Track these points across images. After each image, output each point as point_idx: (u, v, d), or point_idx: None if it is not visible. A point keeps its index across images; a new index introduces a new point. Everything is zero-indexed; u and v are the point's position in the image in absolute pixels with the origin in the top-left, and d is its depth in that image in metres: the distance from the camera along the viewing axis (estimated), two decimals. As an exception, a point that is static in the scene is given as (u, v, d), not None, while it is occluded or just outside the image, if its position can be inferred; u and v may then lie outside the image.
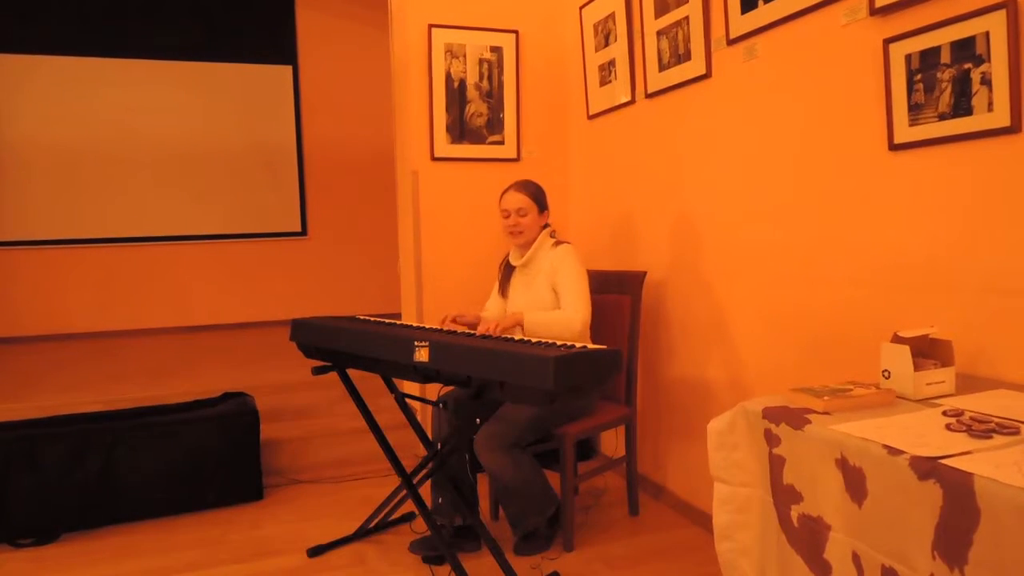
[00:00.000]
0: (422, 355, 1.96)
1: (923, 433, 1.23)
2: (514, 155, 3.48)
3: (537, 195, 2.61)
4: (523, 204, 2.58)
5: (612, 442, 3.30)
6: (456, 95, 3.36)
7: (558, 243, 2.62)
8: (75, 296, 5.98)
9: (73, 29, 5.85)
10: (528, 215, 2.58)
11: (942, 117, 1.71)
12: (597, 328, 2.77)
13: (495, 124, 3.44)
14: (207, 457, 2.96)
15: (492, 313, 2.78)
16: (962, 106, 1.66)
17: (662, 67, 2.77)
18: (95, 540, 2.70)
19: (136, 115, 6.03)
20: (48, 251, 5.92)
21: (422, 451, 2.98)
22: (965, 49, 1.64)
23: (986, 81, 1.60)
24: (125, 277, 6.10)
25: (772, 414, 1.43)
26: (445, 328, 2.42)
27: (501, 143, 3.45)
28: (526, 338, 2.14)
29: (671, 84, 2.73)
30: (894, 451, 1.16)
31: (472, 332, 2.29)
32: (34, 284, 5.89)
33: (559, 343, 1.93)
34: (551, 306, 2.54)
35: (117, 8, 5.95)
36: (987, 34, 1.59)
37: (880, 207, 1.91)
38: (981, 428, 1.22)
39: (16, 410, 3.27)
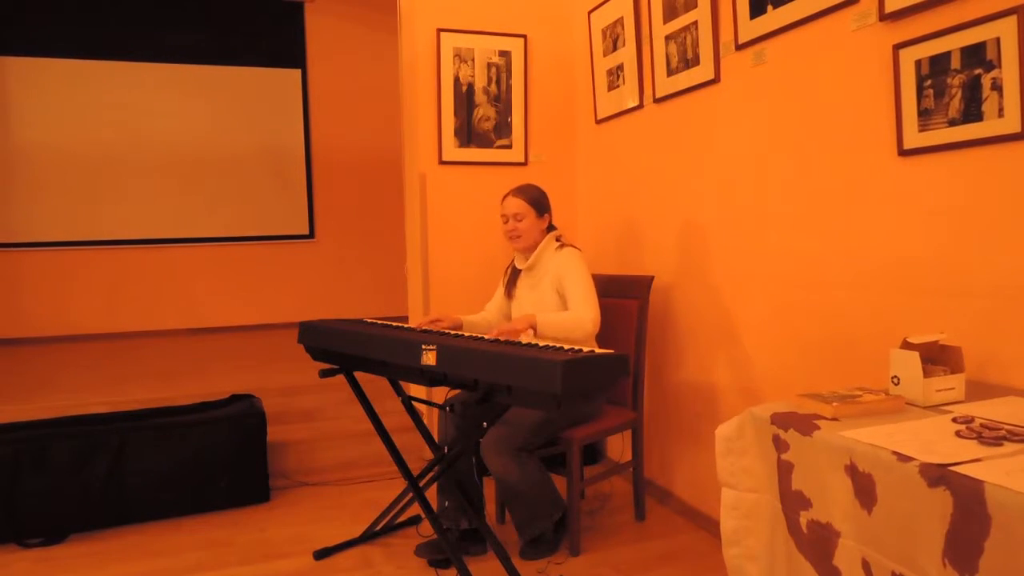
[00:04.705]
0: (429, 358, 1.96)
1: (933, 440, 1.23)
2: (522, 159, 3.49)
3: (535, 199, 2.61)
4: (519, 209, 2.59)
5: (619, 446, 3.30)
6: (464, 99, 3.37)
7: (563, 246, 2.62)
8: (84, 298, 6.01)
9: (82, 32, 5.90)
10: (525, 220, 2.59)
11: (952, 123, 1.71)
12: (604, 332, 2.77)
13: (503, 128, 3.45)
14: (214, 459, 2.97)
15: (492, 314, 2.79)
16: (972, 112, 1.66)
17: (670, 72, 2.77)
18: (102, 541, 2.71)
19: (145, 118, 6.07)
20: (57, 253, 5.96)
21: (429, 454, 2.98)
22: (975, 55, 1.64)
23: (996, 87, 1.60)
24: (133, 279, 6.14)
25: (781, 420, 1.42)
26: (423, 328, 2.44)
27: (509, 147, 3.46)
28: (534, 341, 2.15)
29: (679, 89, 2.73)
30: (904, 458, 1.15)
31: (479, 336, 2.29)
32: (43, 286, 5.93)
33: (566, 347, 1.93)
34: (556, 309, 2.55)
35: (126, 12, 5.99)
36: (997, 40, 1.59)
37: (889, 212, 1.91)
38: (991, 435, 1.22)
39: (25, 411, 3.29)
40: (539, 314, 2.43)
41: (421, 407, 3.18)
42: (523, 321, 2.37)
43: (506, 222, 2.62)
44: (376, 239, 6.62)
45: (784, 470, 1.41)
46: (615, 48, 3.15)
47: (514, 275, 2.74)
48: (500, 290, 2.82)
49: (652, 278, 2.78)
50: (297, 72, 6.44)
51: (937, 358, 1.56)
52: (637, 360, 2.75)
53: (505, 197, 2.63)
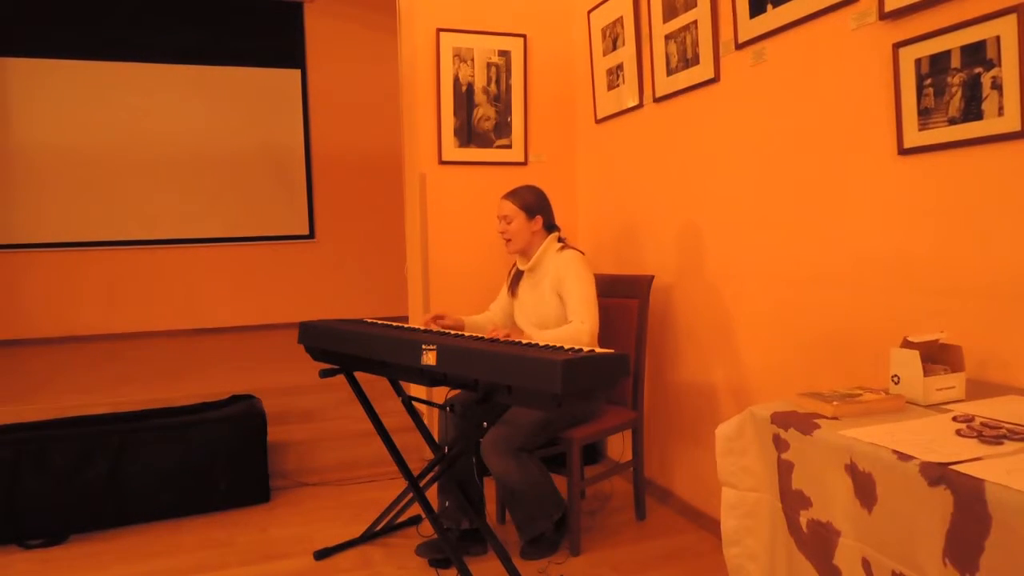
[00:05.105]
0: (429, 358, 1.96)
1: (933, 439, 1.22)
2: (521, 159, 3.48)
3: (525, 202, 2.60)
4: (508, 212, 2.59)
5: (619, 446, 3.30)
6: (464, 99, 3.37)
7: (564, 248, 2.62)
8: (85, 298, 6.02)
9: (83, 33, 5.90)
10: (514, 222, 2.58)
11: (952, 122, 1.71)
12: (604, 332, 2.77)
13: (502, 128, 3.45)
14: (214, 459, 2.97)
15: (496, 314, 2.79)
16: (972, 111, 1.66)
17: (670, 71, 2.77)
18: (103, 541, 2.71)
19: (146, 119, 6.07)
20: (59, 254, 5.96)
21: (429, 454, 2.98)
22: (975, 53, 1.64)
23: (996, 85, 1.60)
24: (134, 280, 6.14)
25: (781, 419, 1.42)
26: (427, 327, 2.44)
27: (508, 147, 3.46)
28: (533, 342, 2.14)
29: (679, 88, 2.73)
30: (904, 457, 1.15)
31: (479, 336, 2.29)
32: (44, 287, 5.93)
33: (567, 347, 1.93)
34: (556, 311, 2.54)
35: (126, 12, 5.99)
36: (997, 38, 1.58)
37: (889, 211, 1.91)
38: (992, 434, 1.22)
39: (26, 412, 3.29)
40: (536, 333, 2.43)
41: (421, 407, 3.18)
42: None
43: (499, 224, 2.63)
44: (376, 239, 6.62)
45: (784, 469, 1.41)
46: (615, 48, 3.15)
47: (517, 275, 2.74)
48: (504, 289, 2.83)
49: (652, 277, 2.78)
50: (297, 72, 6.44)
51: (937, 357, 1.56)
52: (637, 360, 2.75)
53: (500, 200, 2.64)
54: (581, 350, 1.85)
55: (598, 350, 1.86)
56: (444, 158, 3.36)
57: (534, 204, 2.61)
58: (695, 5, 2.58)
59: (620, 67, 3.13)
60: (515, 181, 2.82)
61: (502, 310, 2.80)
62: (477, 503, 2.50)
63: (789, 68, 2.23)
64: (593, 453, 3.48)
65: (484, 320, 2.77)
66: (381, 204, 6.55)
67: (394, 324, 2.54)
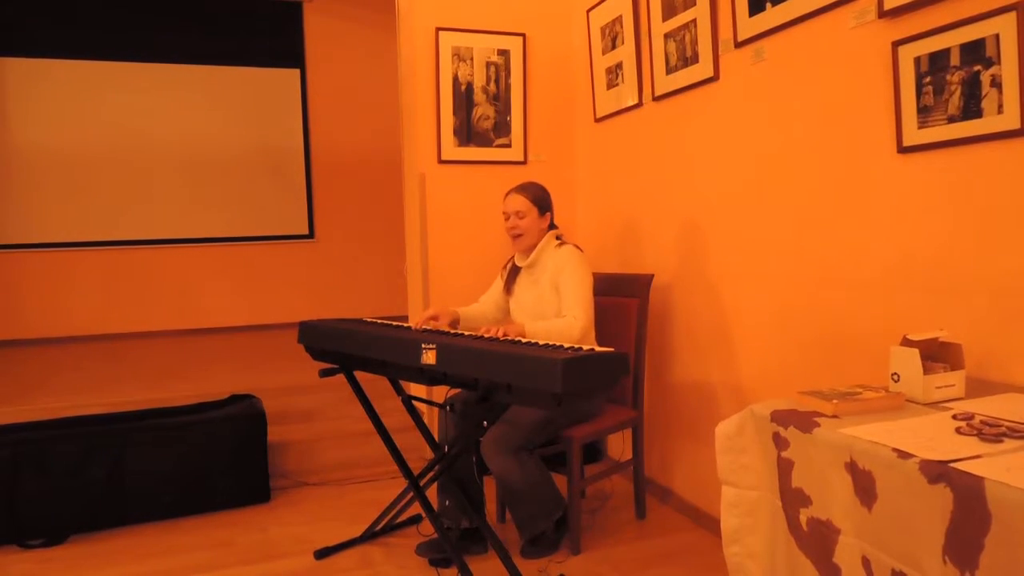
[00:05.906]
0: (429, 357, 1.96)
1: (933, 437, 1.22)
2: (521, 158, 3.48)
3: (537, 197, 2.60)
4: (521, 207, 2.58)
5: (619, 445, 3.30)
6: (463, 98, 3.37)
7: (562, 244, 2.62)
8: (83, 298, 6.01)
9: (81, 33, 5.89)
10: (527, 218, 2.58)
11: (951, 119, 1.71)
12: (604, 331, 2.77)
13: (502, 127, 3.45)
14: (214, 459, 2.97)
15: (487, 307, 2.78)
16: (972, 108, 1.66)
17: (669, 70, 2.77)
18: (103, 542, 2.71)
19: (144, 118, 6.07)
20: (56, 254, 5.96)
21: (429, 453, 2.98)
22: (975, 51, 1.63)
23: (996, 83, 1.60)
24: (132, 279, 6.14)
25: (781, 417, 1.42)
26: (422, 328, 2.44)
27: (508, 146, 3.46)
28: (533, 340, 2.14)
29: (678, 87, 2.73)
30: (904, 455, 1.15)
31: (477, 335, 2.29)
32: (42, 286, 5.93)
33: (566, 346, 1.93)
34: (554, 307, 2.54)
35: (125, 12, 5.99)
36: (997, 36, 1.58)
37: (889, 210, 1.91)
38: (991, 432, 1.22)
39: (25, 412, 3.29)
40: (527, 323, 2.43)
41: (421, 406, 3.18)
42: (513, 332, 2.34)
43: (507, 219, 2.61)
44: (376, 239, 6.62)
45: (784, 467, 1.41)
46: (614, 46, 3.15)
47: (514, 272, 2.74)
48: (498, 283, 2.82)
49: (652, 276, 2.78)
50: (296, 72, 6.44)
51: (937, 355, 1.56)
52: (637, 358, 2.75)
53: (508, 194, 2.63)
54: (581, 349, 1.85)
55: (598, 349, 1.86)
56: (443, 157, 3.36)
57: (545, 200, 2.61)
58: (694, 4, 2.57)
59: (619, 66, 3.13)
60: (515, 180, 2.81)
61: (495, 303, 2.78)
62: (477, 502, 2.50)
63: (788, 67, 2.23)
64: (593, 452, 3.48)
65: (477, 313, 2.76)
66: (381, 204, 6.55)
67: (394, 324, 2.54)
